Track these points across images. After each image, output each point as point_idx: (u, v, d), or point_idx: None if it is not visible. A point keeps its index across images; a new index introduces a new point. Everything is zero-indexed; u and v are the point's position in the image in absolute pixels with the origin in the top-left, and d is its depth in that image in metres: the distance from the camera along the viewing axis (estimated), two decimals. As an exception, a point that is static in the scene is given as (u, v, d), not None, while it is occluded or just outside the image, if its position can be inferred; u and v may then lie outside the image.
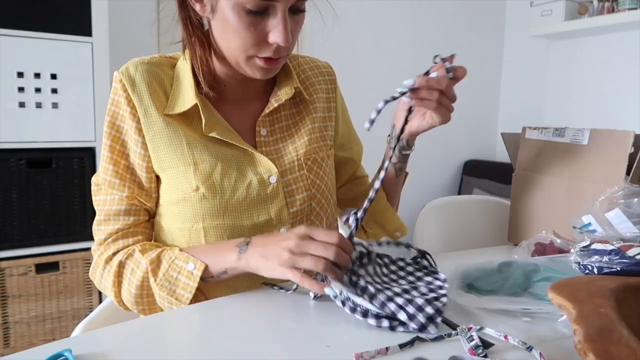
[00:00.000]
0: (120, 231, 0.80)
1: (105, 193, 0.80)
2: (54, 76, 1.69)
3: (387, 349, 0.53)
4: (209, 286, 0.78)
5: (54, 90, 1.70)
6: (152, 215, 0.84)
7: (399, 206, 1.01)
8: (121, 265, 0.77)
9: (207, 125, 0.77)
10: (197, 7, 0.74)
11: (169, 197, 0.79)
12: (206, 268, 0.73)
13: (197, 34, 0.78)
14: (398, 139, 0.86)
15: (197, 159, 0.77)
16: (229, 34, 0.72)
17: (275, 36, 0.70)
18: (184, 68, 0.80)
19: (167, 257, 0.75)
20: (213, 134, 0.77)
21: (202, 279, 0.73)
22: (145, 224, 0.83)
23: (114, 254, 0.79)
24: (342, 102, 0.98)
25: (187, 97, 0.78)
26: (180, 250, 0.76)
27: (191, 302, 0.73)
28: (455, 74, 0.76)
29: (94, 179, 0.82)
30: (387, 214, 0.98)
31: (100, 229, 0.80)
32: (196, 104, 0.77)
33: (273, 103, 0.83)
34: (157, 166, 0.79)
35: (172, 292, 0.73)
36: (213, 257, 0.73)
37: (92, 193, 0.81)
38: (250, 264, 0.70)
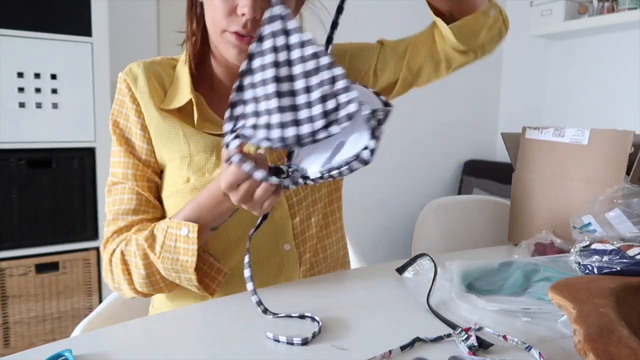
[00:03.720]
0: (125, 228, 0.80)
1: (115, 193, 0.81)
2: (54, 76, 1.69)
3: (390, 352, 0.53)
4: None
5: (54, 91, 1.70)
6: (161, 214, 0.83)
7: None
8: (123, 254, 0.78)
9: (199, 121, 0.80)
10: None
11: (163, 191, 0.82)
12: (200, 227, 0.73)
13: (196, 12, 0.80)
14: None
15: (193, 151, 0.79)
16: (210, 9, 0.74)
17: (243, 6, 0.70)
18: (183, 68, 0.83)
19: (160, 229, 0.75)
20: (205, 130, 0.80)
21: (211, 229, 0.74)
22: (149, 222, 0.82)
23: (115, 249, 0.79)
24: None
25: (183, 93, 0.80)
26: (170, 219, 0.76)
27: (198, 267, 0.74)
28: None
29: (107, 182, 0.83)
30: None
31: (107, 229, 0.81)
32: (191, 99, 0.79)
33: None
34: (160, 160, 0.82)
35: (175, 261, 0.73)
36: (205, 214, 0.74)
37: (106, 196, 0.82)
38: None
